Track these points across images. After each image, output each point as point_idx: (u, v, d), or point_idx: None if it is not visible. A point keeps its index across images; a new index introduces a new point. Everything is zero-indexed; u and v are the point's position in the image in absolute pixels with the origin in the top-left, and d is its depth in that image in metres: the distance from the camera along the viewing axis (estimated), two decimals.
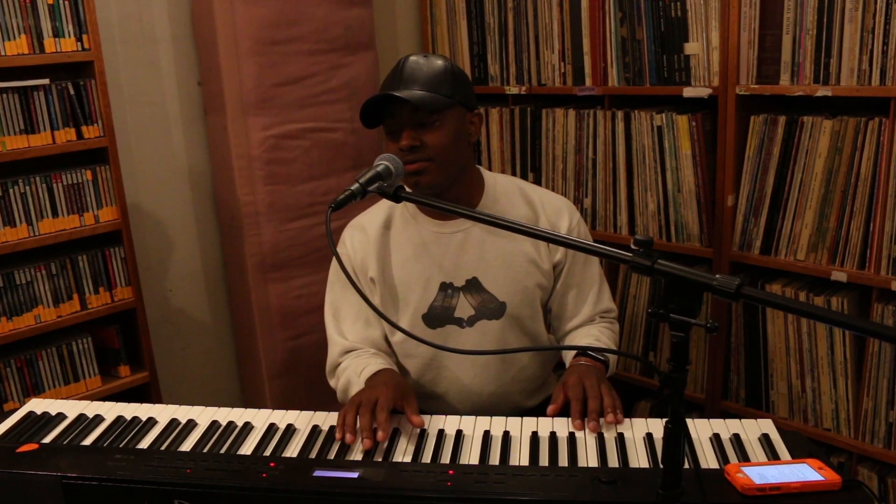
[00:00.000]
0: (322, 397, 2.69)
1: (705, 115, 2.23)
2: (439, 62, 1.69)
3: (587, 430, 1.48)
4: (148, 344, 2.37)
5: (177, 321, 2.66)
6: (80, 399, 2.21)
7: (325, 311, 1.85)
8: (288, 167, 2.54)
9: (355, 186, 1.37)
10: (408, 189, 1.71)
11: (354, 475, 1.32)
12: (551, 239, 1.23)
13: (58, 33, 2.11)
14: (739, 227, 2.20)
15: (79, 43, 2.15)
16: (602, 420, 1.50)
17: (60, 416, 1.64)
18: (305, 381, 2.67)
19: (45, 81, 2.12)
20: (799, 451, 1.40)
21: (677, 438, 1.13)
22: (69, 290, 2.23)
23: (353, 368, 1.73)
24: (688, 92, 2.23)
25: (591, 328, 1.80)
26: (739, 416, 2.25)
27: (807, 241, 2.07)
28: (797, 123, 2.04)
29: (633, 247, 1.12)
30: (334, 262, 1.85)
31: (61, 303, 2.22)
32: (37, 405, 1.70)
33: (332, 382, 1.84)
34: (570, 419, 1.52)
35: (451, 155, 1.67)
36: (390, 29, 3.01)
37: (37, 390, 2.21)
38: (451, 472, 1.32)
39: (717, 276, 1.06)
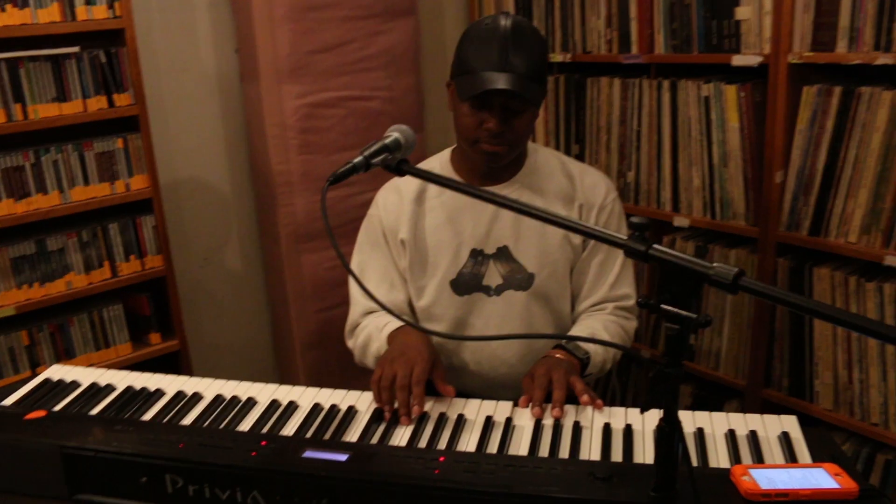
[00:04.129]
0: (354, 369, 2.67)
1: (755, 85, 2.08)
2: (538, 33, 1.66)
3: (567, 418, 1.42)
4: (178, 312, 2.39)
5: (211, 290, 2.68)
6: (110, 365, 2.26)
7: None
8: (322, 136, 2.50)
9: (358, 159, 1.32)
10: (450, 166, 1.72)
11: (343, 458, 1.28)
12: (553, 221, 1.16)
13: (89, 1, 2.11)
14: (788, 205, 2.05)
15: (110, 10, 2.15)
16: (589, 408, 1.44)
17: (74, 385, 1.65)
18: (337, 353, 2.65)
19: (77, 49, 2.13)
20: (821, 453, 1.29)
21: (671, 438, 1.05)
22: (100, 258, 2.26)
23: (373, 325, 1.73)
24: (737, 60, 2.08)
25: (595, 320, 1.72)
26: (781, 405, 2.14)
27: (859, 223, 1.92)
28: (853, 95, 1.88)
29: (629, 229, 1.05)
30: (365, 222, 1.83)
31: (92, 270, 2.25)
32: (55, 372, 1.72)
33: (349, 342, 1.83)
34: (577, 407, 1.44)
35: (527, 138, 1.71)
36: None
37: (68, 355, 2.25)
38: (441, 458, 1.26)
39: (715, 265, 0.97)
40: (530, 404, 1.45)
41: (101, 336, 2.29)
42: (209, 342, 2.69)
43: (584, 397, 1.44)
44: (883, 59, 1.81)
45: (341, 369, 2.65)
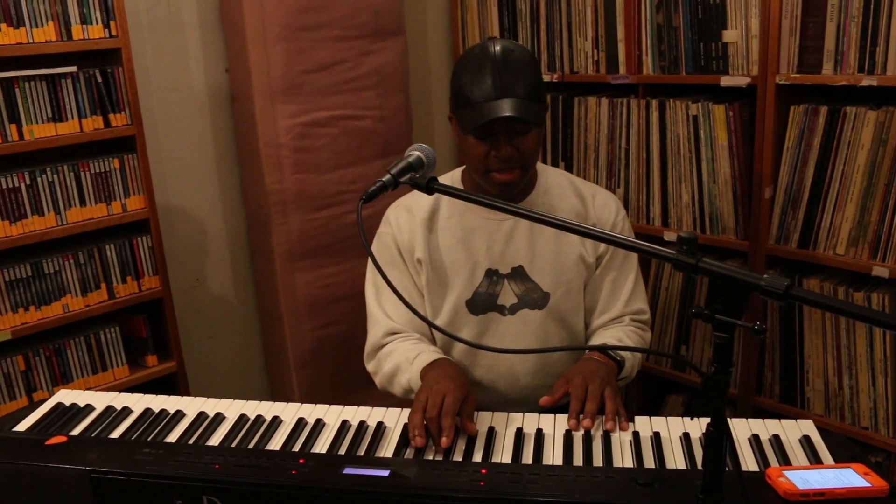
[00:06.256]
0: (348, 387, 2.69)
1: (743, 104, 2.17)
2: (528, 54, 1.67)
3: (593, 428, 1.46)
4: (175, 334, 2.36)
5: (203, 310, 2.66)
6: (108, 389, 2.22)
7: (367, 290, 1.81)
8: (316, 155, 2.51)
9: (387, 177, 1.34)
10: (460, 185, 1.73)
11: (385, 473, 1.30)
12: (595, 236, 1.19)
13: (85, 20, 2.09)
14: (777, 219, 2.14)
15: (106, 30, 2.13)
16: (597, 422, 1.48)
17: (89, 408, 1.63)
18: (332, 371, 2.65)
19: (73, 69, 2.11)
20: (842, 454, 1.36)
21: (720, 442, 1.09)
22: (97, 280, 2.22)
23: (402, 353, 1.69)
24: (725, 81, 2.17)
25: (616, 330, 1.77)
26: (773, 413, 2.22)
27: (847, 236, 2.01)
28: (839, 114, 1.98)
29: (676, 244, 1.09)
30: (375, 242, 1.82)
31: (89, 292, 2.21)
32: (65, 396, 1.69)
33: (370, 365, 1.79)
34: (603, 417, 1.48)
35: (536, 158, 1.70)
36: (420, 14, 2.97)
37: (65, 379, 2.21)
38: (483, 471, 1.29)
39: (765, 275, 1.02)
40: (568, 417, 1.49)
41: (98, 359, 2.25)
42: (203, 362, 2.66)
43: (609, 424, 1.45)
44: (867, 81, 1.91)
45: (335, 387, 2.65)
